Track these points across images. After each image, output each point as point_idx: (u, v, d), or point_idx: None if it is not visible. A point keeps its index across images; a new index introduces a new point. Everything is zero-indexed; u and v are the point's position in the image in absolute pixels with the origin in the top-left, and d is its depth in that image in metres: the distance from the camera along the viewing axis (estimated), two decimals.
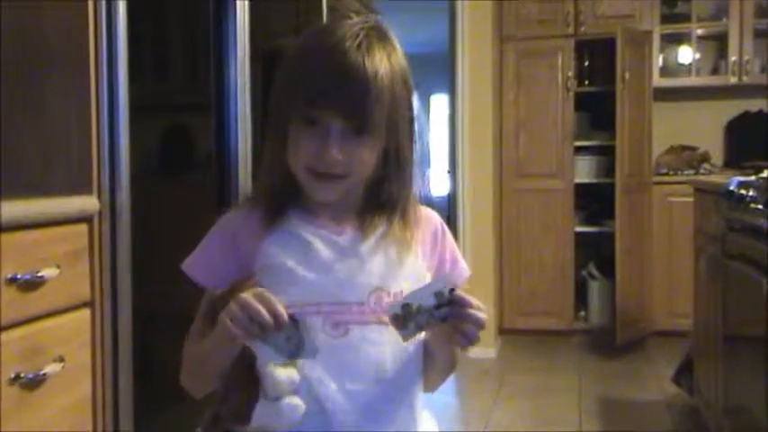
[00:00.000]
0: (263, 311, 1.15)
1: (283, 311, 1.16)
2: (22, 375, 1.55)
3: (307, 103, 1.23)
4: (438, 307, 1.21)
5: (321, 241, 1.29)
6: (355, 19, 1.28)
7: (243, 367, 1.29)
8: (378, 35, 1.27)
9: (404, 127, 1.29)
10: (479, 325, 1.21)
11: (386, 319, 1.23)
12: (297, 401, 1.24)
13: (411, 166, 1.33)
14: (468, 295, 1.21)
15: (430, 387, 1.43)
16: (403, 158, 1.31)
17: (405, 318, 1.20)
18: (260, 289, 1.19)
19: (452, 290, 1.21)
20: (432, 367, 1.36)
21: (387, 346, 1.28)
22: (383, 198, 1.31)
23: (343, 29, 1.25)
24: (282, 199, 1.31)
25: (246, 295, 1.17)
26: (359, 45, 1.23)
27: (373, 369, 1.27)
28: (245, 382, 1.30)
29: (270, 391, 1.25)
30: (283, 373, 1.24)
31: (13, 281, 1.52)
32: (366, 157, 1.26)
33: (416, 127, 1.33)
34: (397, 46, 1.30)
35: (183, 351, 1.36)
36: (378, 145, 1.27)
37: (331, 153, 1.23)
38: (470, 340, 1.22)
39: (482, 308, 1.21)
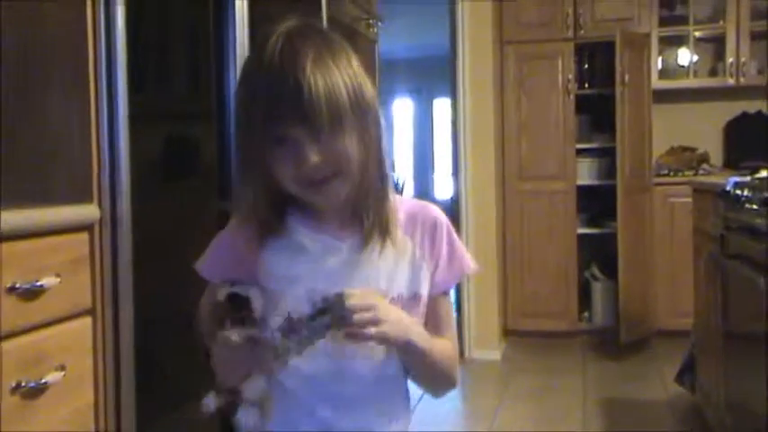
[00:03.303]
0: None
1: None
2: (24, 384, 1.55)
3: (262, 127, 1.20)
4: (314, 317, 1.20)
5: (322, 247, 1.30)
6: (282, 25, 1.25)
7: None
8: (300, 39, 1.23)
9: (362, 117, 1.25)
10: (363, 326, 1.20)
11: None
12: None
13: (385, 162, 1.30)
14: (352, 299, 1.20)
15: (431, 391, 1.44)
16: (377, 152, 1.28)
17: (288, 330, 1.20)
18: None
19: (326, 298, 1.20)
20: (415, 374, 1.39)
21: (378, 350, 1.30)
22: (371, 199, 1.29)
23: (267, 46, 1.22)
24: (278, 207, 1.30)
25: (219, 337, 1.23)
26: (279, 55, 1.20)
27: (366, 370, 1.31)
28: None
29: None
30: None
31: (13, 290, 1.53)
32: (348, 148, 1.23)
33: (378, 120, 1.29)
34: (330, 36, 1.28)
35: (198, 315, 1.40)
36: (354, 135, 1.23)
37: (309, 160, 1.20)
38: (363, 339, 1.22)
39: (364, 306, 1.20)
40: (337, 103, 1.20)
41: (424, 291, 1.35)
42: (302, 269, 1.29)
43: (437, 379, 1.41)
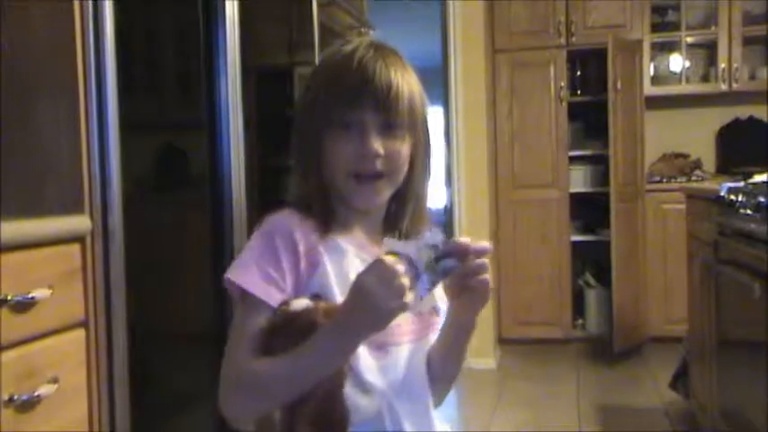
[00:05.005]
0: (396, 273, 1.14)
1: (390, 258, 1.16)
2: (16, 398, 1.53)
3: (341, 108, 1.31)
4: (437, 260, 1.17)
5: (362, 262, 1.29)
6: (362, 38, 1.38)
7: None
8: (388, 49, 1.38)
9: (424, 131, 1.40)
10: (486, 269, 1.25)
11: (415, 336, 1.32)
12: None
13: (427, 182, 1.43)
14: (463, 238, 1.24)
15: (436, 398, 1.45)
16: (425, 165, 1.41)
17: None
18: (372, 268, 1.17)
19: (446, 240, 1.20)
20: (438, 375, 1.39)
21: (418, 363, 1.34)
22: (407, 212, 1.39)
23: (357, 44, 1.36)
24: (330, 209, 1.35)
25: (372, 278, 1.15)
26: (374, 53, 1.33)
27: (408, 385, 1.32)
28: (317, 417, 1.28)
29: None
30: (364, 399, 1.27)
31: (4, 302, 1.51)
32: (402, 152, 1.34)
33: (430, 138, 1.42)
34: (404, 56, 1.40)
35: (242, 375, 1.24)
36: (408, 142, 1.35)
37: (372, 145, 1.30)
38: (486, 290, 1.26)
39: (485, 247, 1.25)
40: (414, 107, 1.35)
41: (441, 305, 1.39)
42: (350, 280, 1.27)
43: (458, 369, 1.44)
